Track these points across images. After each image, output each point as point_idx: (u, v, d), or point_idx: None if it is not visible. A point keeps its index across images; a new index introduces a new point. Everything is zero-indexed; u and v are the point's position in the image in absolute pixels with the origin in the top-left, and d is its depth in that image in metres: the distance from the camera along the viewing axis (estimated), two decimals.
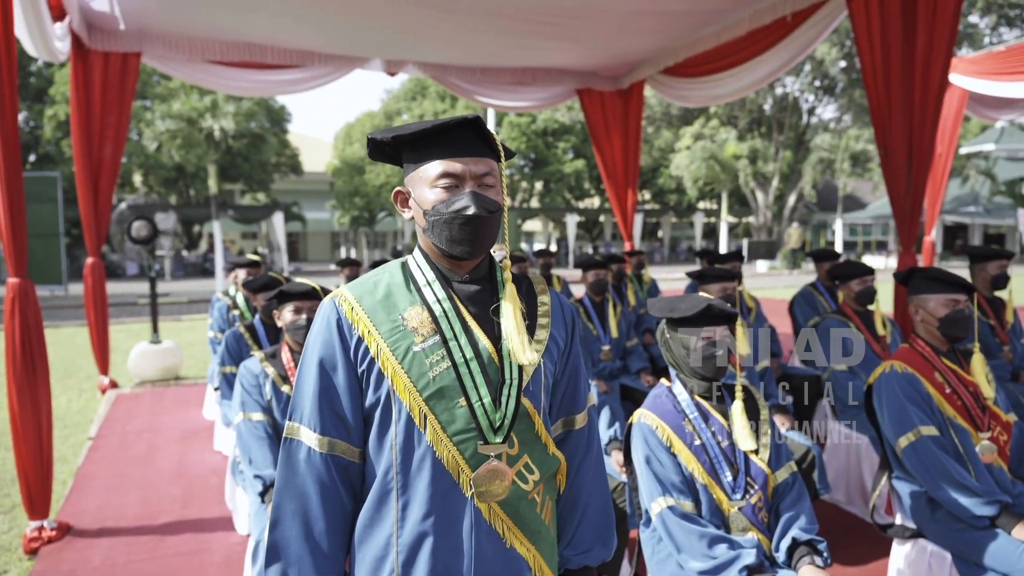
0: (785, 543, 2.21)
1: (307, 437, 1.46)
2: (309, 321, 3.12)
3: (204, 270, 28.58)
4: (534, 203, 36.62)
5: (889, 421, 2.76)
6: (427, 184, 1.45)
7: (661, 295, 7.73)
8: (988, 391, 2.74)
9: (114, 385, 7.47)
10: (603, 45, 7.22)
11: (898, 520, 2.93)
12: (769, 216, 30.20)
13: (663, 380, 2.50)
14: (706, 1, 5.89)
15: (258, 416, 3.07)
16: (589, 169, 33.16)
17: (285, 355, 3.21)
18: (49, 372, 3.89)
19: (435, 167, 1.43)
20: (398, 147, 1.50)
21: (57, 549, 3.76)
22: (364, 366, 1.45)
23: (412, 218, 1.51)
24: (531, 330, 1.54)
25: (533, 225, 43.11)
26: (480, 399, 1.44)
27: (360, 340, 1.46)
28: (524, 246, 40.43)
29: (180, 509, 4.29)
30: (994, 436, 2.69)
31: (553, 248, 35.74)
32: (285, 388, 3.12)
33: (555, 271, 13.04)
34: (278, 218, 24.77)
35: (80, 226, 6.94)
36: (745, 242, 30.28)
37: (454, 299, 1.49)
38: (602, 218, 37.10)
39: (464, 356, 1.45)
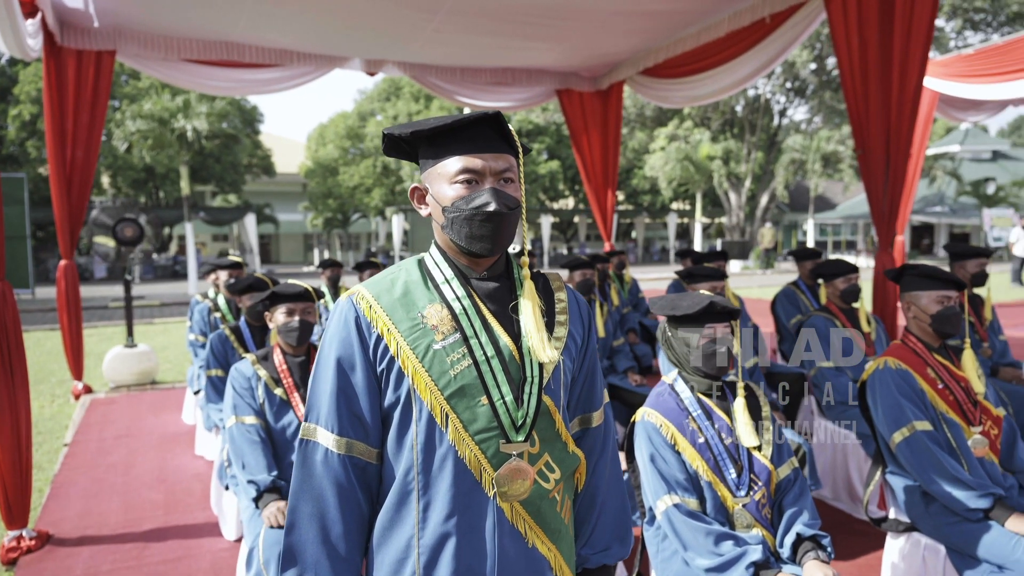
0: (789, 539, 2.22)
1: (324, 438, 1.43)
2: (302, 323, 3.08)
3: (175, 272, 28.14)
4: None
5: (883, 417, 2.79)
6: (446, 180, 1.42)
7: (642, 295, 7.78)
8: (979, 386, 2.79)
9: (88, 390, 7.30)
10: (584, 45, 7.24)
11: (892, 514, 2.97)
12: (742, 216, 30.50)
13: (664, 378, 2.51)
14: (686, 1, 5.94)
15: (251, 419, 3.01)
16: (564, 170, 33.21)
17: (277, 357, 3.15)
18: (28, 375, 3.78)
19: (454, 163, 1.41)
20: (415, 143, 1.47)
21: (37, 559, 3.66)
22: (384, 365, 1.43)
23: (429, 214, 1.49)
24: (550, 327, 1.52)
25: None
26: (502, 397, 1.42)
27: (379, 338, 1.43)
28: None
29: (163, 515, 4.20)
30: (985, 430, 2.73)
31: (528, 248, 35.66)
32: (278, 391, 3.06)
33: None
34: (250, 220, 24.50)
35: (45, 228, 6.78)
36: (719, 242, 30.59)
37: (473, 296, 1.47)
38: (576, 219, 37.19)
39: (485, 354, 1.43)
